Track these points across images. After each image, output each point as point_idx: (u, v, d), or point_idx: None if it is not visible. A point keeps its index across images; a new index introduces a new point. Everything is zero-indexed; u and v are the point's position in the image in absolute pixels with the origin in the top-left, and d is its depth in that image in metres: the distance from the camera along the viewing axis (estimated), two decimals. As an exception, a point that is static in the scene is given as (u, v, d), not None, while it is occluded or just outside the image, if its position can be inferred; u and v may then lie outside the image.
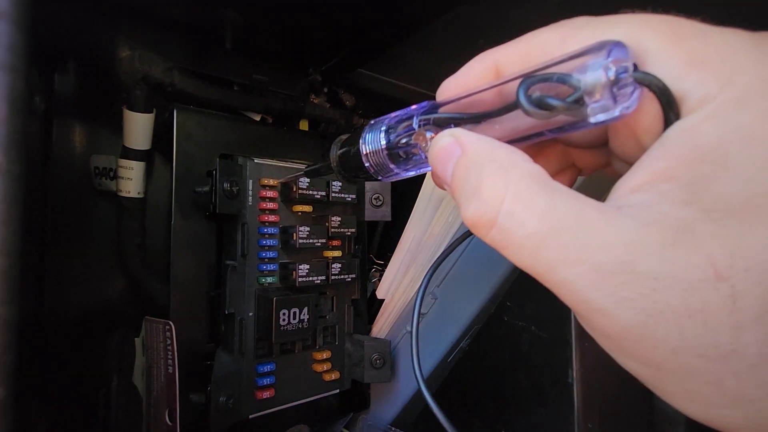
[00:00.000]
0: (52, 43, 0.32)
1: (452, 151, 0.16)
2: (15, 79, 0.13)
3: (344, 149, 0.23)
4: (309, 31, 0.37)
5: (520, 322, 0.30)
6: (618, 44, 0.13)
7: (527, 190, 0.13)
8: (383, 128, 0.20)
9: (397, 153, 0.20)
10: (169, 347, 0.30)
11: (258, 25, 0.36)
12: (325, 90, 0.44)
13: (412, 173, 0.20)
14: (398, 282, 0.41)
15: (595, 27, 0.14)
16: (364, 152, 0.20)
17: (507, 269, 0.32)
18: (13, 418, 0.13)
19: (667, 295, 0.11)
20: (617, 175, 0.19)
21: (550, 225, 0.12)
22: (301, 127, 0.42)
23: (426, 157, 0.18)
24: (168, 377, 0.30)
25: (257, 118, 0.39)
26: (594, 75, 0.12)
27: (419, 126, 0.18)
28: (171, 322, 0.30)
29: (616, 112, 0.13)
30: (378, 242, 0.47)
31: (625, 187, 0.13)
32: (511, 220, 0.13)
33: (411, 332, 0.23)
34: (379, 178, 0.21)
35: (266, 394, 0.33)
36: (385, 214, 0.39)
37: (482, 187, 0.14)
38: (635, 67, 0.13)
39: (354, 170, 0.22)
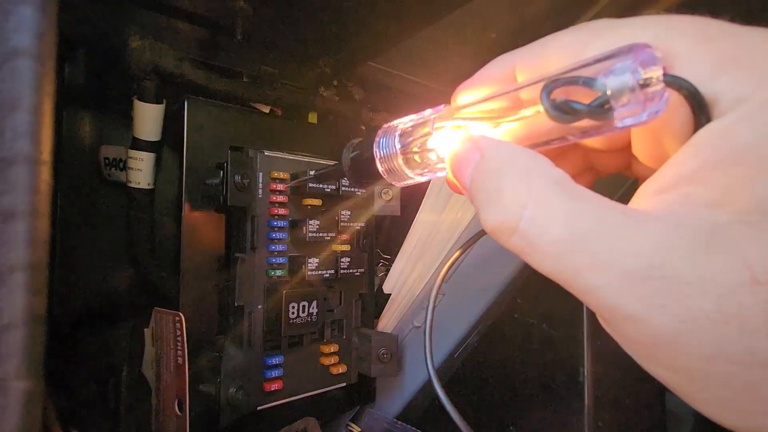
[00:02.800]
0: (62, 32, 0.32)
1: (471, 155, 0.15)
2: (42, 67, 0.13)
3: (356, 153, 0.23)
4: (319, 22, 0.37)
5: (531, 320, 0.30)
6: (646, 47, 0.12)
7: (551, 195, 0.13)
8: (397, 132, 0.20)
9: (412, 157, 0.19)
10: (179, 338, 0.30)
11: (268, 17, 0.35)
12: (335, 83, 0.43)
13: (427, 178, 0.20)
14: (405, 277, 0.41)
15: (619, 30, 0.14)
16: (378, 157, 0.20)
17: (517, 267, 0.32)
18: (42, 411, 0.13)
19: (701, 300, 0.11)
20: (638, 177, 0.18)
21: (575, 230, 0.12)
22: (310, 120, 0.42)
23: (442, 162, 0.18)
24: (177, 368, 0.30)
25: (266, 110, 0.39)
26: (621, 79, 0.12)
27: (435, 130, 0.18)
28: (181, 314, 0.30)
29: (644, 117, 0.12)
30: (385, 237, 0.47)
31: (650, 190, 0.13)
32: (534, 226, 0.13)
33: (424, 327, 0.23)
34: (393, 183, 0.21)
35: (274, 387, 0.33)
36: (394, 208, 0.38)
37: (503, 192, 0.14)
38: (664, 70, 0.13)
39: (367, 175, 0.22)
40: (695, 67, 0.12)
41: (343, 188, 0.36)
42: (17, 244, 0.13)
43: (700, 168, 0.12)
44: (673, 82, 0.12)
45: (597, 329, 0.28)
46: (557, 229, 0.12)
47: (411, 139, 0.19)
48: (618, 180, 0.31)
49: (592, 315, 0.13)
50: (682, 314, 0.11)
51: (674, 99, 0.13)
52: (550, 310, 0.29)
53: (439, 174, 0.19)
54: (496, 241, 0.14)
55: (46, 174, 0.13)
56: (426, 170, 0.19)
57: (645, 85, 0.12)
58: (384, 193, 0.39)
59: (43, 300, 0.13)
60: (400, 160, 0.20)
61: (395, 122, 0.20)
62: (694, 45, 0.13)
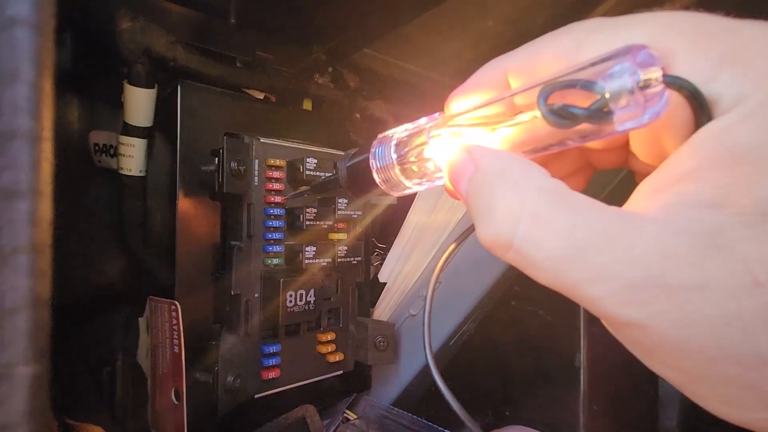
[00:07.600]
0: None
1: (466, 167, 0.15)
2: (41, 38, 0.12)
3: (353, 164, 0.22)
4: (314, 7, 0.36)
5: (529, 307, 0.30)
6: (643, 47, 0.12)
7: (545, 208, 0.13)
8: (393, 142, 0.20)
9: (409, 167, 0.19)
10: (175, 327, 0.30)
11: (263, 0, 0.34)
12: (330, 70, 0.43)
13: (425, 187, 0.20)
14: (401, 266, 0.41)
15: (613, 29, 0.14)
16: (375, 168, 0.20)
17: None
18: (50, 395, 0.13)
19: (702, 304, 0.11)
20: (635, 171, 0.19)
21: (572, 244, 0.12)
22: (304, 107, 0.41)
23: (440, 171, 0.18)
24: (174, 357, 0.30)
25: (260, 96, 0.39)
26: (620, 81, 0.12)
27: (431, 138, 0.18)
28: (176, 302, 0.30)
29: (645, 119, 0.12)
30: (379, 225, 0.47)
31: (649, 188, 0.13)
32: (529, 242, 0.13)
33: (423, 316, 0.23)
34: (391, 193, 0.21)
35: (272, 375, 0.33)
36: (391, 197, 0.38)
37: (496, 207, 0.13)
38: (663, 70, 0.12)
39: (364, 186, 0.21)
40: (695, 66, 0.12)
41: (340, 176, 0.36)
42: (19, 224, 0.12)
43: (700, 167, 0.12)
44: (673, 82, 0.12)
45: (594, 316, 0.28)
46: (553, 243, 0.12)
47: (407, 148, 0.19)
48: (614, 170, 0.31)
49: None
50: (684, 320, 0.11)
51: (674, 98, 0.13)
52: (548, 297, 0.30)
53: (438, 183, 0.19)
54: (493, 254, 0.14)
55: (48, 151, 0.13)
56: (424, 179, 0.19)
57: (644, 86, 0.12)
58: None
59: (47, 283, 0.13)
60: (397, 170, 0.19)
61: (390, 132, 0.20)
62: (692, 43, 0.12)
